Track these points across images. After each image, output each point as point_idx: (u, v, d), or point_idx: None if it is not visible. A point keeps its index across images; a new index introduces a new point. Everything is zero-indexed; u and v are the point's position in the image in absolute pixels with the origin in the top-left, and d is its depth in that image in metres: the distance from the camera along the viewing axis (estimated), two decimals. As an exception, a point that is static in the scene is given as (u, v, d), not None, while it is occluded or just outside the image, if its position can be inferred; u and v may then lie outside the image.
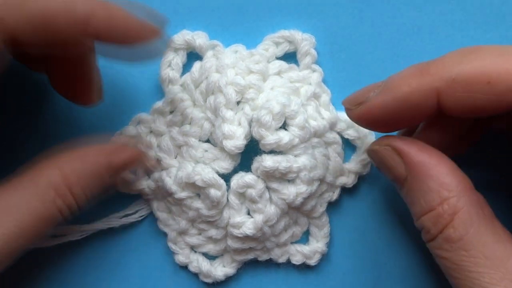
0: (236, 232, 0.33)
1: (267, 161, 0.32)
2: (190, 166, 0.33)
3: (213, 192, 0.33)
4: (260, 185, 0.33)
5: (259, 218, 0.33)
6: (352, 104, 0.30)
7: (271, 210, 0.33)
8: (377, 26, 0.36)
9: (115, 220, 0.35)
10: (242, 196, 0.34)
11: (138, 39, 0.27)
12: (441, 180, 0.27)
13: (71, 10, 0.25)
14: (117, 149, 0.31)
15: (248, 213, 0.34)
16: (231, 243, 0.34)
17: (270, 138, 0.32)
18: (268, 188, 0.33)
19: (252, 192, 0.33)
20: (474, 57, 0.26)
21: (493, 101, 0.25)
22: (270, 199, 0.34)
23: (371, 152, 0.31)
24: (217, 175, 0.33)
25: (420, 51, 0.36)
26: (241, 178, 0.33)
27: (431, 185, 0.27)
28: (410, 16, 0.36)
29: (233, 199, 0.33)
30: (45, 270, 0.36)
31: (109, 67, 0.36)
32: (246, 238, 0.34)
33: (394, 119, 0.29)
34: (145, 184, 0.35)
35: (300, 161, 0.33)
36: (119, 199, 0.36)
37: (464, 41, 0.36)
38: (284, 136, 0.32)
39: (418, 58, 0.35)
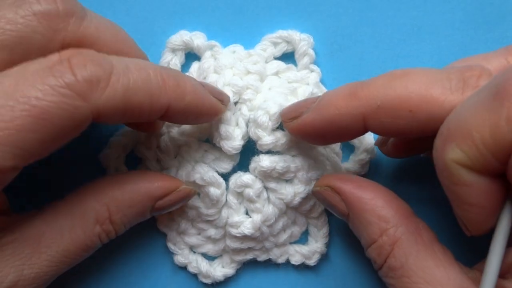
0: (234, 231, 0.33)
1: (264, 161, 0.32)
2: (190, 165, 0.33)
3: (213, 190, 0.33)
4: (258, 184, 0.33)
5: (257, 217, 0.33)
6: (287, 118, 0.31)
7: (269, 210, 0.33)
8: (376, 26, 0.36)
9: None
10: (240, 195, 0.34)
11: (206, 120, 0.32)
12: (377, 213, 0.29)
13: (155, 101, 0.27)
14: (156, 176, 0.32)
15: (247, 213, 0.34)
16: (230, 243, 0.34)
17: (267, 138, 0.32)
18: (266, 188, 0.34)
19: (250, 191, 0.33)
20: (400, 83, 0.27)
21: (415, 127, 0.26)
22: (268, 199, 0.34)
23: (314, 193, 0.33)
24: (217, 174, 0.33)
25: (420, 51, 0.36)
26: (239, 178, 0.33)
27: (370, 219, 0.29)
28: (410, 16, 0.36)
29: (231, 198, 0.34)
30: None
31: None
32: (244, 238, 0.34)
33: (326, 136, 0.30)
34: None
35: (297, 161, 0.33)
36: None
37: (464, 41, 0.35)
38: (281, 137, 0.32)
39: (418, 58, 0.36)
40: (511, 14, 0.35)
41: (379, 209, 0.29)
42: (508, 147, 0.22)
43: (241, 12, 0.36)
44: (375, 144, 0.35)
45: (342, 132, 0.29)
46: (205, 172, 0.33)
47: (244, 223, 0.33)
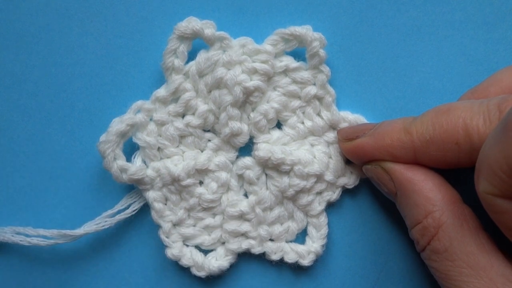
0: (232, 211, 0.34)
1: (260, 151, 0.34)
2: (196, 153, 0.35)
3: (224, 175, 0.34)
4: (257, 167, 0.34)
5: (253, 198, 0.34)
6: (343, 138, 0.33)
7: (265, 193, 0.34)
8: (376, 26, 0.36)
9: (109, 221, 0.35)
10: (241, 178, 0.35)
11: None
12: (425, 195, 0.29)
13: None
14: None
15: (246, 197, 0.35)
16: (227, 226, 0.35)
17: (260, 137, 0.34)
18: (266, 174, 0.35)
19: (250, 173, 0.34)
20: (446, 118, 0.28)
21: (462, 158, 0.28)
22: (266, 184, 0.35)
23: (364, 170, 0.33)
24: (227, 160, 0.35)
25: (420, 51, 0.36)
26: (241, 160, 0.35)
27: (417, 200, 0.30)
28: (410, 16, 0.36)
29: (233, 181, 0.35)
30: (41, 268, 0.36)
31: (99, 56, 0.36)
32: (240, 218, 0.35)
33: (375, 161, 0.32)
34: (145, 173, 0.34)
35: (295, 154, 0.34)
36: (109, 195, 0.36)
37: (464, 41, 0.35)
38: (273, 135, 0.34)
39: (418, 58, 0.35)
40: (511, 14, 0.35)
41: (427, 191, 0.29)
42: None
43: (240, 11, 0.36)
44: None
45: (393, 160, 0.31)
46: (218, 158, 0.35)
47: (241, 202, 0.35)
